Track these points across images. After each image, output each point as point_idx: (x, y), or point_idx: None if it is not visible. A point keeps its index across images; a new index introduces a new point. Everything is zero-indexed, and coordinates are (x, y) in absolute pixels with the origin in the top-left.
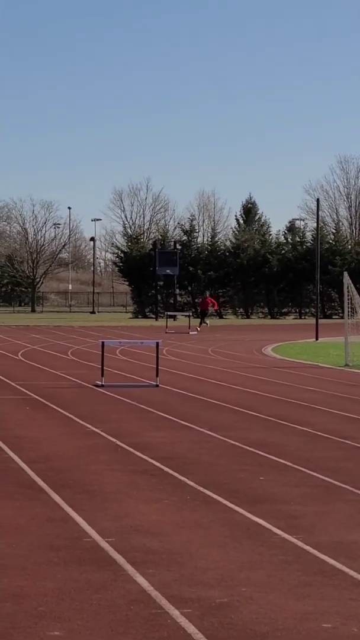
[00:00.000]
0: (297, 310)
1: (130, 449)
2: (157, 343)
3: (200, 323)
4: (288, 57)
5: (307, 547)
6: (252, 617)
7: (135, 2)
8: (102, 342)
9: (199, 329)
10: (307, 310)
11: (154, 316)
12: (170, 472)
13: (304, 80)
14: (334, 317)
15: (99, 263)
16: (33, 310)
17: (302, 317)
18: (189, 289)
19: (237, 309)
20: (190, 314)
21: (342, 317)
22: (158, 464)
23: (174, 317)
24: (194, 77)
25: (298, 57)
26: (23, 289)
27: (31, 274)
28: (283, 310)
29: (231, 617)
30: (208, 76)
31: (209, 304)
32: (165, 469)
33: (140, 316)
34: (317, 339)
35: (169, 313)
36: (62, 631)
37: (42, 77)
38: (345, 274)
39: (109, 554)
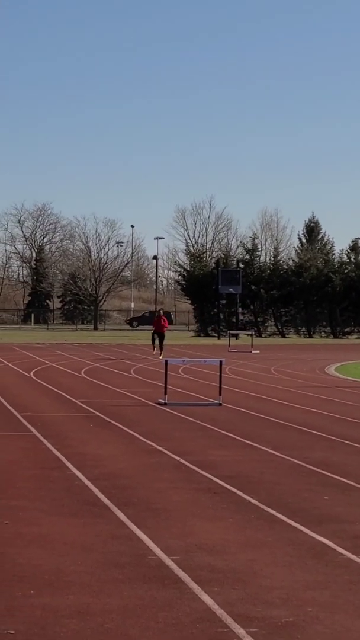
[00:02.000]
0: None
1: (194, 467)
2: (221, 362)
3: (161, 348)
4: (350, 79)
5: None
6: (318, 637)
7: (209, 19)
8: (166, 361)
9: (160, 358)
10: None
11: (216, 335)
12: (234, 490)
13: None
14: None
15: (162, 281)
16: (95, 328)
17: None
18: (252, 307)
19: (299, 328)
20: (253, 332)
21: None
22: (222, 483)
23: (236, 335)
24: (259, 96)
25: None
26: (85, 307)
27: (94, 291)
28: (346, 330)
29: (297, 637)
30: (273, 95)
31: (164, 321)
32: (229, 487)
33: (202, 335)
34: None
35: (231, 332)
36: None
37: (105, 98)
38: None
39: (174, 572)
